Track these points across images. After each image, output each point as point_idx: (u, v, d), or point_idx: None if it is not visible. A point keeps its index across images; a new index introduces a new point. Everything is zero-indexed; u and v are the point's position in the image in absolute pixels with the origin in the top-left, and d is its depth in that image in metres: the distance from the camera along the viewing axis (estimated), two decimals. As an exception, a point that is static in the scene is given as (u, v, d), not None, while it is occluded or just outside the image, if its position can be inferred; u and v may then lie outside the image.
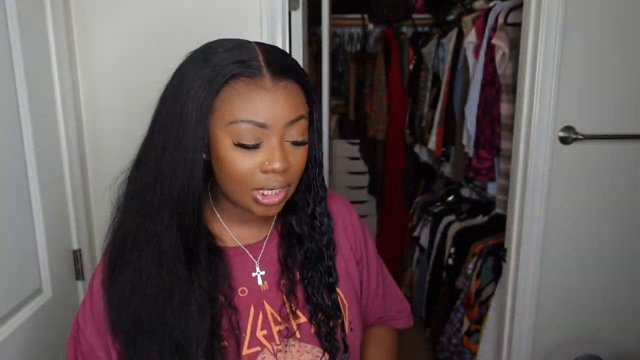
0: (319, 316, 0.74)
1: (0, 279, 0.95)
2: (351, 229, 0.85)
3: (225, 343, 0.69)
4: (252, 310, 0.72)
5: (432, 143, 2.57)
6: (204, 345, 0.66)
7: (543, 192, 1.47)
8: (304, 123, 0.66)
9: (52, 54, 1.13)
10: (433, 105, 2.63)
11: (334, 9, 3.06)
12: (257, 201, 0.66)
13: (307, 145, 0.68)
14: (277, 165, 0.63)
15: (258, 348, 0.70)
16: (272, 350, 0.71)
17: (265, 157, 0.63)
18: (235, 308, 0.70)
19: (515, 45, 1.76)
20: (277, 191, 0.66)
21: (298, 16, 1.37)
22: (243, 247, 0.75)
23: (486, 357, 1.84)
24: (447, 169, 2.60)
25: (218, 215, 0.75)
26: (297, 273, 0.76)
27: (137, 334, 0.67)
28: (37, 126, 1.05)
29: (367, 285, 0.87)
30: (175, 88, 0.65)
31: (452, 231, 2.37)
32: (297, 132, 0.65)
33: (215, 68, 0.62)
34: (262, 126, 0.62)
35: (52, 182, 1.12)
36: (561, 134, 1.45)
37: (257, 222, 0.77)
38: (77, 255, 1.23)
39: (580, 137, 1.43)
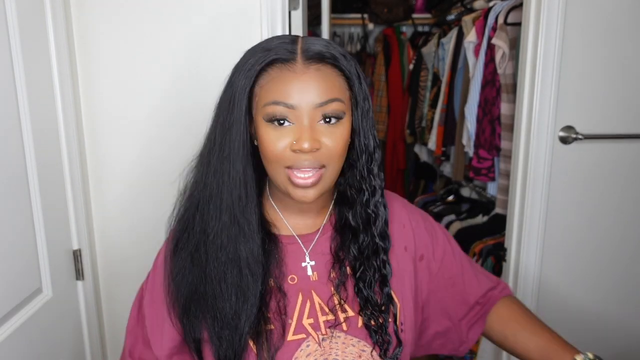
0: (369, 310, 0.74)
1: (0, 279, 0.95)
2: (409, 229, 0.83)
3: (272, 326, 0.71)
4: (300, 297, 0.74)
5: (432, 143, 2.57)
6: (251, 323, 0.70)
7: (543, 192, 1.47)
8: (337, 105, 0.67)
9: (52, 53, 1.13)
10: (433, 105, 2.63)
11: (334, 9, 3.06)
12: (291, 182, 0.68)
13: (344, 127, 0.69)
14: (305, 144, 0.65)
15: (303, 335, 0.72)
16: (317, 339, 0.73)
17: (295, 137, 0.66)
18: (284, 293, 0.73)
19: (515, 44, 1.76)
20: (310, 174, 0.68)
21: (298, 16, 1.37)
22: (296, 236, 0.78)
23: (486, 357, 1.84)
24: (447, 169, 2.60)
25: (274, 204, 0.79)
26: (349, 267, 0.77)
27: (192, 304, 0.72)
28: (37, 126, 1.05)
29: (446, 276, 0.85)
30: (227, 82, 0.71)
31: (452, 231, 2.37)
32: (330, 113, 0.67)
33: (257, 58, 0.67)
34: (291, 107, 0.66)
35: (52, 182, 1.12)
36: (561, 133, 1.45)
37: (312, 213, 0.79)
38: (77, 255, 1.23)
39: (580, 137, 1.43)
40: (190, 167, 0.77)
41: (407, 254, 0.82)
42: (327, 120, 0.67)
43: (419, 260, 0.83)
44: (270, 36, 1.25)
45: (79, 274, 1.24)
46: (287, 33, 1.28)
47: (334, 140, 0.68)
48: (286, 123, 0.67)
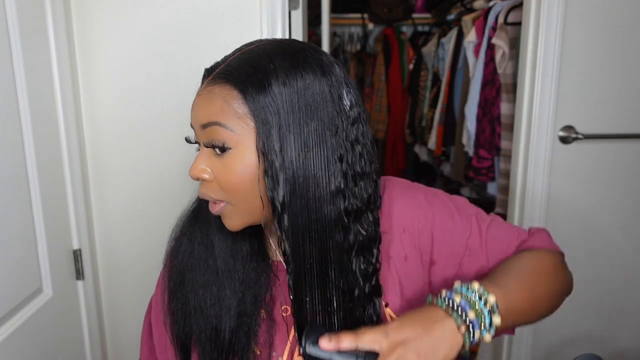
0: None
1: (1, 279, 0.95)
2: (411, 233, 0.68)
3: (258, 351, 0.66)
4: (293, 331, 0.66)
5: (432, 143, 2.57)
6: (229, 340, 0.65)
7: (543, 191, 1.47)
8: (215, 130, 0.56)
9: (52, 52, 1.13)
10: (433, 105, 2.63)
11: (334, 9, 3.06)
12: None
13: (236, 158, 0.56)
14: (190, 172, 0.59)
15: None
16: None
17: None
18: (273, 322, 0.66)
19: (515, 44, 1.76)
20: (213, 205, 0.61)
21: (298, 16, 1.37)
22: (284, 263, 0.64)
23: (486, 357, 1.84)
24: (447, 169, 2.60)
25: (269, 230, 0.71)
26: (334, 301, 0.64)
27: (184, 317, 0.68)
28: (37, 126, 1.05)
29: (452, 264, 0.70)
30: None
31: (452, 231, 2.37)
32: (210, 138, 0.57)
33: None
34: (192, 127, 0.61)
35: (52, 182, 1.12)
36: (561, 133, 1.45)
37: None
38: (77, 255, 1.23)
39: (580, 136, 1.43)
40: None
41: (409, 262, 0.68)
42: (219, 150, 0.57)
43: (431, 267, 0.69)
44: (269, 35, 1.25)
45: (79, 274, 1.24)
46: (287, 32, 1.28)
47: (224, 171, 0.57)
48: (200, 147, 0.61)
